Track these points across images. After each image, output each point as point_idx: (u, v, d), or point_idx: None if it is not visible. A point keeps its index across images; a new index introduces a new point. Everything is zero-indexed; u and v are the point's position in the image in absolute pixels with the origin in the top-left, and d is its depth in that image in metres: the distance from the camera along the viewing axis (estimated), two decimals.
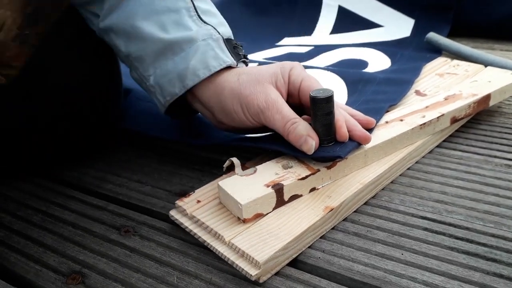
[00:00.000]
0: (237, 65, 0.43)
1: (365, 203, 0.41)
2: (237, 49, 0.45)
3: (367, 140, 0.41)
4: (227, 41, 0.44)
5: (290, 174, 0.39)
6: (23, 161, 0.50)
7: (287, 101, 0.41)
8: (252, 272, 0.33)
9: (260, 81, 0.41)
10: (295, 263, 0.35)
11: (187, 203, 0.39)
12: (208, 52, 0.42)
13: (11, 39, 0.33)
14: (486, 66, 0.62)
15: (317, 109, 0.39)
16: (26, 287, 0.35)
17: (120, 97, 0.52)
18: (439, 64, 0.64)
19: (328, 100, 0.39)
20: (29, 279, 0.36)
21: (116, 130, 0.53)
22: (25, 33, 0.34)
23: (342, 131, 0.40)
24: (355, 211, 0.40)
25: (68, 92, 0.46)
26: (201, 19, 0.44)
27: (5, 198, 0.46)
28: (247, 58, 0.46)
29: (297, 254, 0.36)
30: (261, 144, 0.44)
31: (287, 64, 0.42)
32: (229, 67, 0.43)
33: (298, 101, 0.42)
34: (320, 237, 0.38)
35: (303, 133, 0.39)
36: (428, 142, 0.47)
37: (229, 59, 0.42)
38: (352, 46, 0.78)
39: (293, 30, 0.88)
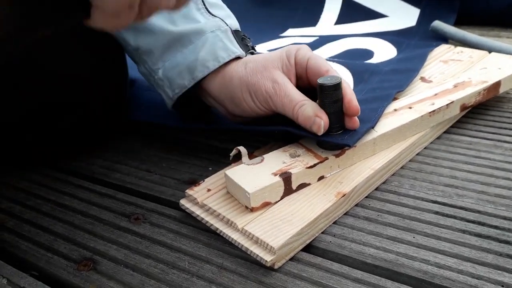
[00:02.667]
0: (245, 56, 0.43)
1: (375, 188, 0.41)
2: (245, 40, 0.45)
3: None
4: (235, 32, 0.44)
5: (298, 163, 0.38)
6: (32, 152, 0.50)
7: (297, 84, 0.41)
8: (267, 258, 0.33)
9: (267, 67, 0.41)
10: (306, 247, 0.35)
11: (198, 192, 0.39)
12: (217, 44, 0.42)
13: None
14: (490, 52, 0.61)
15: (324, 96, 0.38)
16: (38, 274, 0.35)
17: (127, 87, 0.52)
18: (443, 51, 0.64)
19: (336, 87, 0.38)
20: (41, 266, 0.36)
21: (123, 120, 0.53)
22: None
23: (353, 105, 0.39)
24: (365, 197, 0.40)
25: (75, 82, 0.46)
26: (208, 11, 0.44)
27: (15, 189, 0.46)
28: (254, 50, 0.46)
29: (310, 240, 0.36)
30: (271, 127, 0.43)
31: (293, 46, 0.42)
32: (237, 58, 0.43)
33: (307, 82, 0.42)
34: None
35: (310, 114, 0.38)
36: (437, 127, 0.47)
37: (238, 50, 0.42)
38: (357, 36, 0.78)
39: (298, 21, 0.87)
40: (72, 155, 0.51)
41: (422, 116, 0.44)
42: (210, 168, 0.45)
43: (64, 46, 0.45)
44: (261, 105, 0.41)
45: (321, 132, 0.38)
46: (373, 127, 0.42)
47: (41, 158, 0.50)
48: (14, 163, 0.50)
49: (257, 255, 0.33)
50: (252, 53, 0.45)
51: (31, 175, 0.48)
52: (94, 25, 0.28)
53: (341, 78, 0.39)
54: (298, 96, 0.39)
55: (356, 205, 0.39)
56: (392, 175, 0.43)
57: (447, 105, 0.46)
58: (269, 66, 0.41)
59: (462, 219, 0.36)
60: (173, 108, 0.46)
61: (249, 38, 0.46)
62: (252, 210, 0.36)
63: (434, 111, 0.45)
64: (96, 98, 0.48)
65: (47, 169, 0.49)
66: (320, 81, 0.38)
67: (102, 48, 0.49)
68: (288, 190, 0.38)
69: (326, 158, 0.39)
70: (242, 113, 0.43)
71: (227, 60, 0.42)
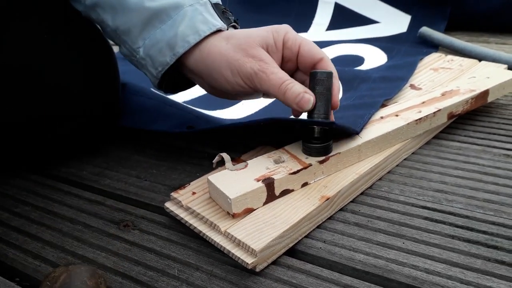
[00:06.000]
0: (227, 29, 0.42)
1: (365, 194, 0.41)
2: (226, 13, 0.44)
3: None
4: (215, 5, 0.43)
5: (281, 169, 0.38)
6: (21, 157, 0.49)
7: (283, 67, 0.41)
8: (249, 260, 0.33)
9: (251, 45, 0.40)
10: (296, 253, 0.35)
11: (183, 195, 0.39)
12: (196, 17, 0.41)
13: None
14: (479, 59, 0.62)
15: (317, 82, 0.39)
16: (26, 282, 0.35)
17: (118, 93, 0.52)
18: (434, 59, 0.65)
19: (328, 76, 0.39)
20: (28, 274, 0.36)
21: (114, 125, 0.53)
22: None
23: (336, 100, 0.40)
24: (355, 202, 0.40)
25: (66, 89, 0.46)
26: None
27: (3, 195, 0.46)
28: (237, 23, 0.44)
29: (293, 243, 0.36)
30: (256, 119, 0.43)
31: (280, 28, 0.41)
32: (218, 32, 0.41)
33: (294, 67, 0.42)
34: (321, 228, 0.37)
35: (300, 90, 0.38)
36: (425, 134, 0.47)
37: (218, 23, 0.41)
38: (348, 42, 0.79)
39: None
40: (62, 161, 0.50)
41: (408, 123, 0.44)
42: (198, 174, 0.45)
43: (57, 55, 0.45)
44: (243, 82, 0.40)
45: (307, 107, 0.38)
46: (358, 133, 0.42)
47: (31, 164, 0.50)
48: (2, 169, 0.49)
49: (239, 258, 0.33)
50: (234, 26, 0.44)
51: (20, 182, 0.47)
52: None
53: (331, 71, 0.39)
54: (285, 75, 0.39)
55: (347, 211, 0.39)
56: (382, 180, 0.43)
57: (434, 113, 0.46)
58: (254, 44, 0.40)
59: (451, 224, 0.37)
60: (159, 87, 0.45)
61: (231, 12, 0.45)
62: (233, 216, 0.36)
63: (420, 119, 0.45)
64: (88, 104, 0.48)
65: (35, 176, 0.48)
66: (313, 70, 0.39)
67: (94, 55, 0.49)
68: (271, 196, 0.37)
69: (310, 164, 0.39)
70: (220, 87, 0.42)
71: (207, 33, 0.40)
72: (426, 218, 0.37)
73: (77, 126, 0.48)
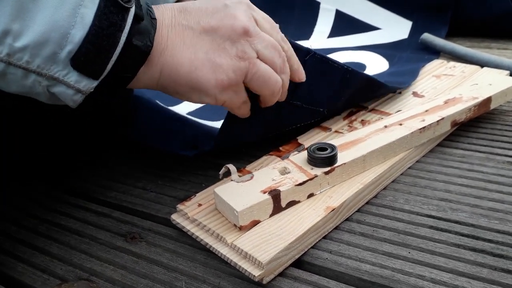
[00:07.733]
0: None
1: (370, 203, 0.41)
2: None
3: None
4: None
5: (287, 180, 0.38)
6: (28, 168, 0.50)
7: None
8: (255, 273, 0.33)
9: None
10: (302, 264, 0.36)
11: (189, 206, 0.39)
12: None
13: None
14: (481, 65, 0.62)
15: None
16: None
17: (128, 103, 0.52)
18: (436, 66, 0.65)
19: None
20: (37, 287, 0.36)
21: (120, 137, 0.53)
22: None
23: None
24: (360, 212, 0.40)
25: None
26: None
27: (10, 208, 0.46)
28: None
29: (299, 255, 0.36)
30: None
31: None
32: None
33: None
34: (327, 238, 0.38)
35: None
36: (428, 142, 0.47)
37: None
38: (349, 50, 0.79)
39: (291, 35, 0.87)
40: (67, 173, 0.51)
41: (412, 132, 0.44)
42: (204, 185, 0.45)
43: None
44: None
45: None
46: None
47: (36, 176, 0.50)
48: (8, 180, 0.49)
49: (246, 270, 0.33)
50: None
51: (26, 194, 0.48)
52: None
53: None
54: None
55: (352, 220, 0.39)
56: (387, 189, 0.43)
57: (437, 121, 0.46)
58: None
59: (456, 233, 0.37)
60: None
61: None
62: (240, 228, 0.36)
63: (424, 127, 0.45)
64: (96, 114, 0.48)
65: (42, 188, 0.49)
66: None
67: None
68: (277, 208, 0.37)
69: (316, 175, 0.39)
70: None
71: None
72: (431, 227, 0.38)
73: (81, 133, 0.48)
